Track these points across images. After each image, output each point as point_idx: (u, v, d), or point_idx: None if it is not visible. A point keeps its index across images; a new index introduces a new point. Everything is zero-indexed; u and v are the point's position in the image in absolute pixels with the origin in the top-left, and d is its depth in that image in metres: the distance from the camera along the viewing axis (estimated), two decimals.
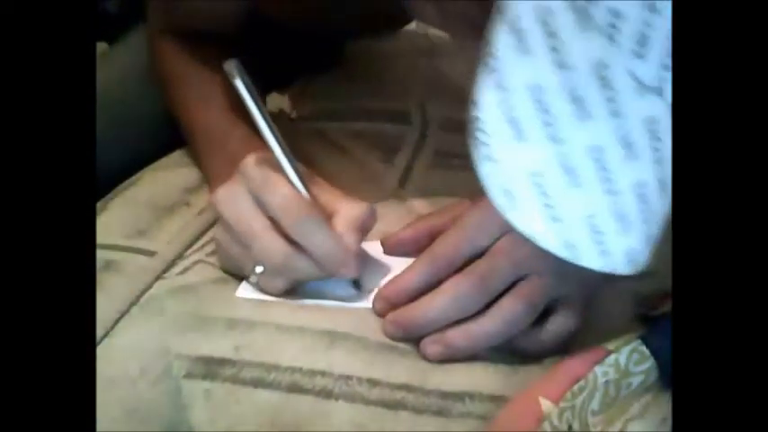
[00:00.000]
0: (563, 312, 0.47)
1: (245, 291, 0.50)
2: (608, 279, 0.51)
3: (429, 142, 0.68)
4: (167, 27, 0.67)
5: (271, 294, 0.49)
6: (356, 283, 0.50)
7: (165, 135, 0.67)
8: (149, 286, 0.51)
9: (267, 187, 0.47)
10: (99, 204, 0.61)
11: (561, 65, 0.38)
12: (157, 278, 0.52)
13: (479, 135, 0.39)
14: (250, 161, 0.48)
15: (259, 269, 0.48)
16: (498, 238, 0.47)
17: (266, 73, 0.69)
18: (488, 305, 0.46)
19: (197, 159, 0.63)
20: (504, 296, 0.46)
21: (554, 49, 0.38)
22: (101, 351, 0.46)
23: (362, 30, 0.80)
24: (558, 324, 0.47)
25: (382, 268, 0.52)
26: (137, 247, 0.55)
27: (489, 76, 0.39)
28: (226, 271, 0.52)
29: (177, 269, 0.53)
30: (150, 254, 0.54)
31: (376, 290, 0.49)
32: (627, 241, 0.40)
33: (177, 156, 0.67)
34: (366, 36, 0.85)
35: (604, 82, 0.38)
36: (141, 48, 0.72)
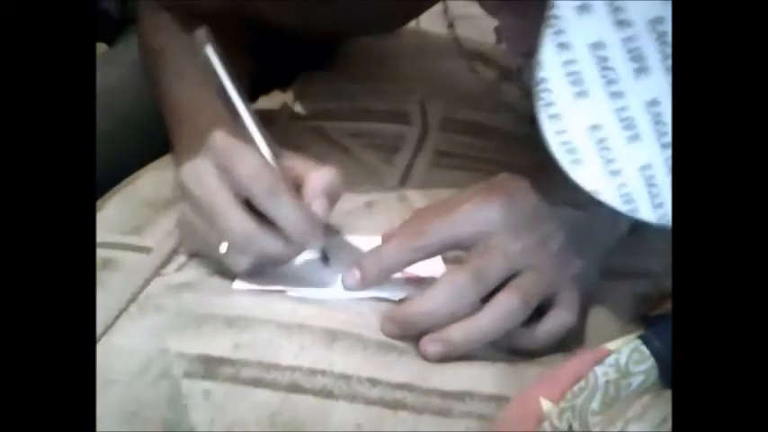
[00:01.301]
0: (559, 309, 0.47)
1: (241, 283, 0.50)
2: (604, 276, 0.51)
3: (429, 142, 0.68)
4: (162, 3, 0.66)
5: (236, 272, 0.49)
6: (325, 258, 0.49)
7: (165, 135, 0.66)
8: (147, 283, 0.51)
9: (235, 159, 0.47)
10: (97, 203, 0.61)
11: (621, 22, 0.41)
12: (154, 275, 0.52)
13: (544, 95, 0.42)
14: (218, 135, 0.48)
15: (224, 246, 0.47)
16: (487, 235, 0.47)
17: (265, 73, 0.69)
18: (484, 303, 0.46)
19: (168, 134, 0.62)
20: (499, 291, 0.46)
21: (613, 7, 0.41)
22: (100, 350, 0.46)
23: (362, 30, 0.80)
24: (555, 321, 0.47)
25: (355, 250, 0.52)
26: (131, 243, 0.55)
27: (552, 36, 0.41)
28: (223, 269, 0.52)
29: (174, 266, 0.53)
30: (146, 250, 0.54)
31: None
32: None
33: None
34: (366, 35, 0.85)
35: (661, 37, 0.41)
36: None
